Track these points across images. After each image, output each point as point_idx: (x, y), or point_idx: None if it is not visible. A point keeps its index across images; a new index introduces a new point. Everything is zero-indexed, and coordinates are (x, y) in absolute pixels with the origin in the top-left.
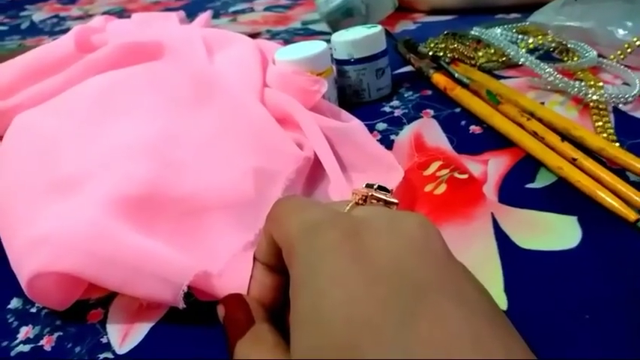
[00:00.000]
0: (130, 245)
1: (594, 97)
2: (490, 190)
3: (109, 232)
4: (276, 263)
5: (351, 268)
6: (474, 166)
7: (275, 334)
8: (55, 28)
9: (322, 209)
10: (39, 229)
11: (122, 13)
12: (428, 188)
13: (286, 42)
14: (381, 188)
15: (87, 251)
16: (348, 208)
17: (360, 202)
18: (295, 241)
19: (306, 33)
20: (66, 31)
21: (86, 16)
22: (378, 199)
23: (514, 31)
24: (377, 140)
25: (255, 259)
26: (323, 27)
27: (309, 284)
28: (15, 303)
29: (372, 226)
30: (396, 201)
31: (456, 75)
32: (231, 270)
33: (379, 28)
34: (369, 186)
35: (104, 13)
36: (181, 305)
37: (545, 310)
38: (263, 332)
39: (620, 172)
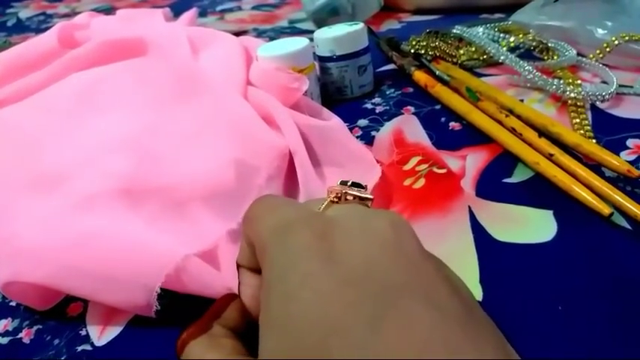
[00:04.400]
0: (103, 251)
1: (572, 95)
2: (468, 184)
3: (82, 239)
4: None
5: (321, 270)
6: (452, 161)
7: (234, 339)
8: (42, 25)
9: (295, 209)
10: (14, 235)
11: (109, 11)
12: (407, 182)
13: (272, 40)
14: (355, 184)
15: (58, 263)
16: (322, 207)
17: (335, 200)
18: (267, 241)
19: (293, 31)
20: None
21: (73, 14)
22: (353, 196)
23: (496, 29)
24: (358, 136)
25: (239, 266)
26: (309, 26)
27: (279, 286)
28: None
29: (344, 227)
30: (370, 197)
31: (437, 72)
32: (208, 263)
33: (361, 25)
34: (343, 183)
35: (91, 11)
36: (154, 309)
37: (519, 301)
38: (218, 338)
39: (596, 167)
